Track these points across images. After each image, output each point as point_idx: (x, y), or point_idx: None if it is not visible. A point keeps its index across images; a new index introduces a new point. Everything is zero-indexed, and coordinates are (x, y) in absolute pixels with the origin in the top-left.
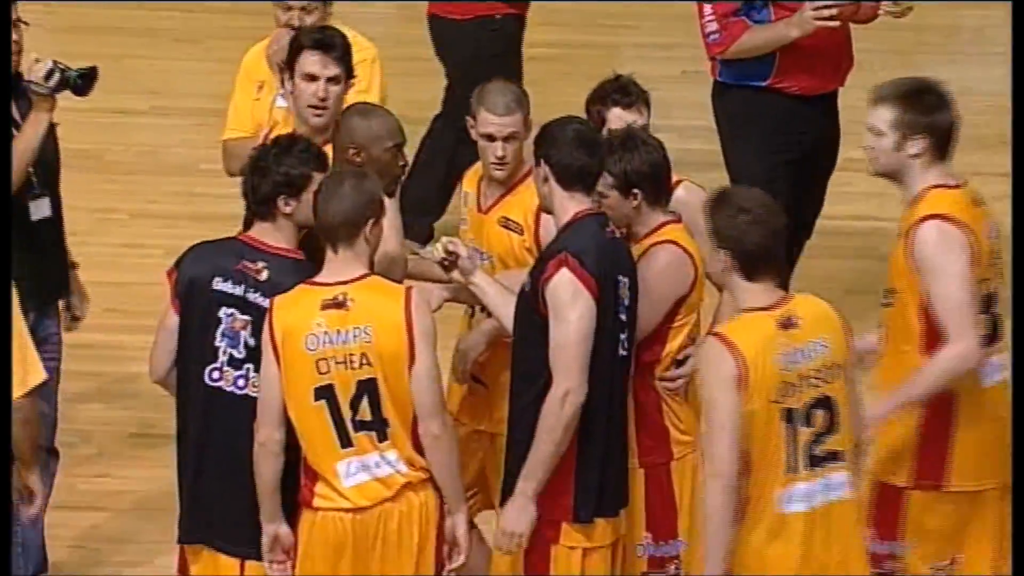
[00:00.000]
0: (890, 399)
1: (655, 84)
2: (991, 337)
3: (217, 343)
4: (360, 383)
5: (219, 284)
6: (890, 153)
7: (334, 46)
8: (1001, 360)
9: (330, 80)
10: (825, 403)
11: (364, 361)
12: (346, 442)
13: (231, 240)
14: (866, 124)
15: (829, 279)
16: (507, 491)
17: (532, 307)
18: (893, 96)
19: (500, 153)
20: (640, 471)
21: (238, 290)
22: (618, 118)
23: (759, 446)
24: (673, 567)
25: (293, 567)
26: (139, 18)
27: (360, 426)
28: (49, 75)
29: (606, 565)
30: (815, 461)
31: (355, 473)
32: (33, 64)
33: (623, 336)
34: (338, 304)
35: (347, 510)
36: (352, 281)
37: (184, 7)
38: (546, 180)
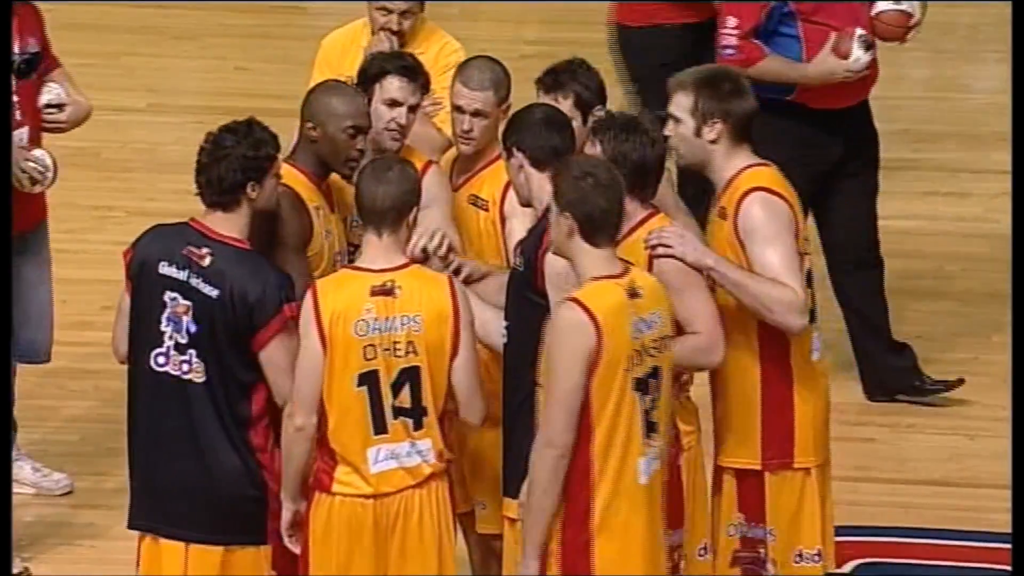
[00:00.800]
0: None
1: None
2: (812, 314)
3: (163, 327)
4: (403, 371)
5: (164, 268)
6: (690, 140)
7: (418, 73)
8: (819, 337)
9: (411, 108)
10: (657, 374)
11: (411, 349)
12: (381, 428)
13: (183, 225)
14: (666, 112)
15: (825, 275)
16: (509, 479)
17: (529, 285)
18: (689, 83)
19: (466, 127)
20: None
21: (182, 275)
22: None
23: (611, 415)
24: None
25: (304, 549)
26: (137, 16)
27: (398, 413)
28: None
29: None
30: (651, 430)
31: (383, 460)
32: None
33: None
34: (387, 291)
35: (368, 496)
36: (398, 268)
37: (181, 5)
38: (521, 168)
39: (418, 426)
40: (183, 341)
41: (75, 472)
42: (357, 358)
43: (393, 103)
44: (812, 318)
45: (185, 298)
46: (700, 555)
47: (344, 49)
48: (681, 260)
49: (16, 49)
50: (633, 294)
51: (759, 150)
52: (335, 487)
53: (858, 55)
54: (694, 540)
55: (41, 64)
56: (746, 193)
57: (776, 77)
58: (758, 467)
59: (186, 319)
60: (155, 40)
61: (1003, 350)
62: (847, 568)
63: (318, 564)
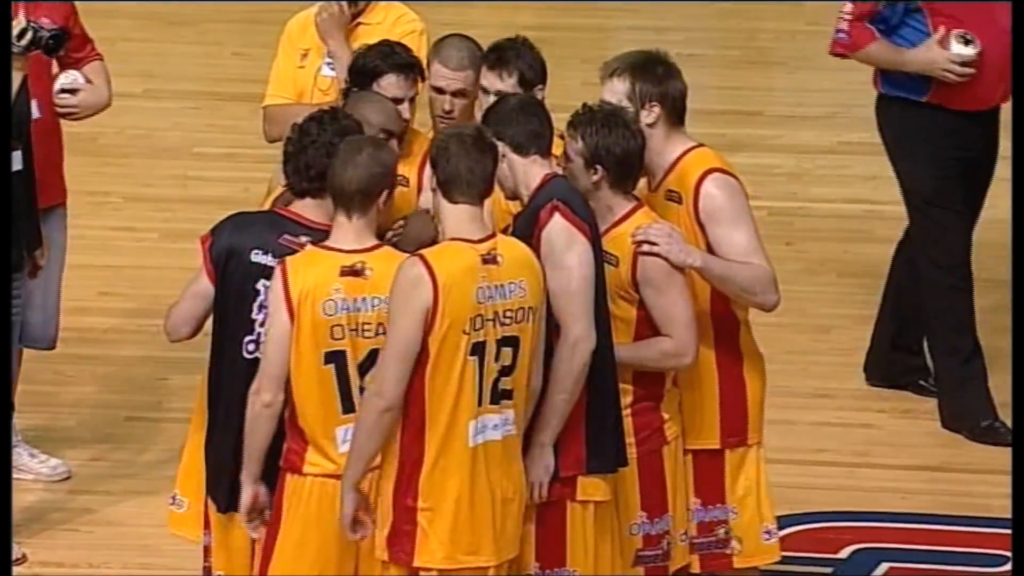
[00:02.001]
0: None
1: None
2: None
3: (254, 315)
4: (373, 351)
5: (258, 256)
6: None
7: (413, 66)
8: None
9: (411, 100)
10: (512, 343)
11: (380, 331)
12: (348, 408)
13: (270, 213)
14: (601, 99)
15: (823, 262)
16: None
17: None
18: (624, 69)
19: (447, 107)
20: (633, 455)
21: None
22: (482, 77)
23: (445, 375)
24: (666, 542)
25: (273, 531)
26: (134, 2)
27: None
28: (21, 34)
29: (613, 519)
30: (496, 397)
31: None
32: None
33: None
34: (356, 272)
35: (339, 476)
36: (369, 250)
37: None
38: (503, 157)
39: None
40: None
41: (72, 458)
42: (324, 337)
43: (395, 101)
44: None
45: None
46: (682, 540)
47: (304, 24)
48: (666, 259)
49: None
50: (489, 260)
51: (898, 147)
52: (306, 468)
53: (958, 49)
54: (677, 527)
55: (70, 44)
56: (702, 176)
57: (881, 62)
58: (718, 447)
59: None
60: (152, 26)
61: (1001, 335)
62: (844, 553)
63: (291, 545)
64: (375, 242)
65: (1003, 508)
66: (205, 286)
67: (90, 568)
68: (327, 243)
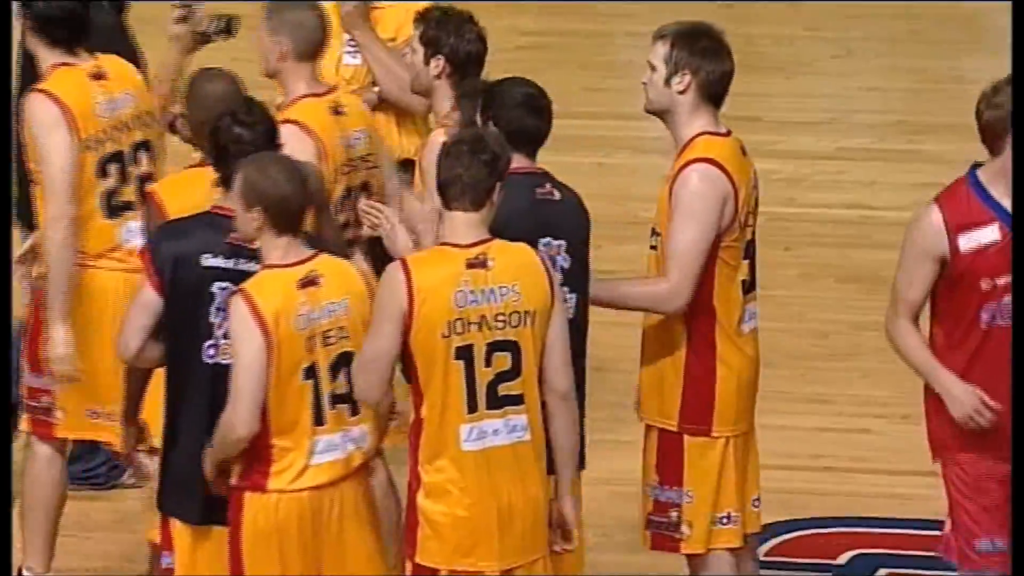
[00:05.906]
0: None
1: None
2: (750, 284)
3: (212, 319)
4: (340, 356)
5: (209, 260)
6: (659, 88)
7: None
8: (755, 308)
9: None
10: (510, 347)
11: (342, 335)
12: (319, 420)
13: (207, 214)
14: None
15: (821, 267)
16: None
17: None
18: (670, 33)
19: None
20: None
21: (230, 263)
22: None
23: (429, 378)
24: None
25: (236, 553)
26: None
27: (336, 400)
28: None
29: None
30: (496, 402)
31: (322, 452)
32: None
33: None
34: (311, 282)
35: (305, 490)
36: (311, 259)
37: None
38: None
39: (355, 411)
40: None
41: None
42: (300, 351)
43: None
44: (747, 288)
45: (237, 285)
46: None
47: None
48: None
49: None
50: (476, 264)
51: None
52: (271, 484)
53: None
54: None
55: None
56: (690, 162)
57: None
58: (675, 429)
59: None
60: (148, 31)
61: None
62: (842, 559)
63: (258, 564)
64: (312, 251)
65: None
66: (151, 297)
67: (89, 569)
68: (268, 263)
